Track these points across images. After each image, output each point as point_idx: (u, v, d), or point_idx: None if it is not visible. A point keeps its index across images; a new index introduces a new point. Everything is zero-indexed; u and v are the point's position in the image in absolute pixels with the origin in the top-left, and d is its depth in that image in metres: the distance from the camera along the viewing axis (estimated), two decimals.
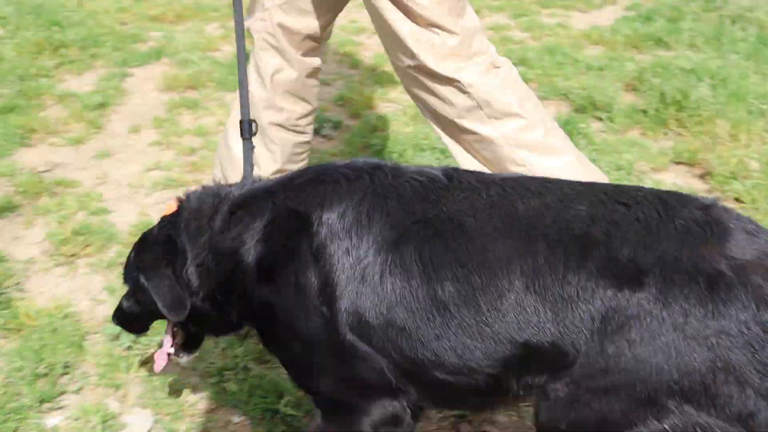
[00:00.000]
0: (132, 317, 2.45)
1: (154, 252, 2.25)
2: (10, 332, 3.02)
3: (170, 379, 2.79)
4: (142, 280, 2.23)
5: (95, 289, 3.29)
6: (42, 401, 2.71)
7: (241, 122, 2.61)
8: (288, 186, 2.15)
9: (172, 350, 2.45)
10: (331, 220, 2.00)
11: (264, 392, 2.70)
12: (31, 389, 2.73)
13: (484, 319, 1.84)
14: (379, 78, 5.31)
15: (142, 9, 6.41)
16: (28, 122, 4.43)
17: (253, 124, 2.61)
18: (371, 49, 5.86)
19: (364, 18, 6.44)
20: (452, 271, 1.88)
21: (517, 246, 1.84)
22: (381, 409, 2.06)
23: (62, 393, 2.77)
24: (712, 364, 1.65)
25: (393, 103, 4.98)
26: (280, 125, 3.09)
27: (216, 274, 2.17)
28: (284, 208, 2.09)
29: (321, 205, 2.03)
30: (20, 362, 2.82)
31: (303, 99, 3.12)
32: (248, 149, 2.58)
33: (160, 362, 2.46)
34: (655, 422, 1.72)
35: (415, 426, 2.12)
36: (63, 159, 4.23)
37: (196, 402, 2.73)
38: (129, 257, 2.38)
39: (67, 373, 2.85)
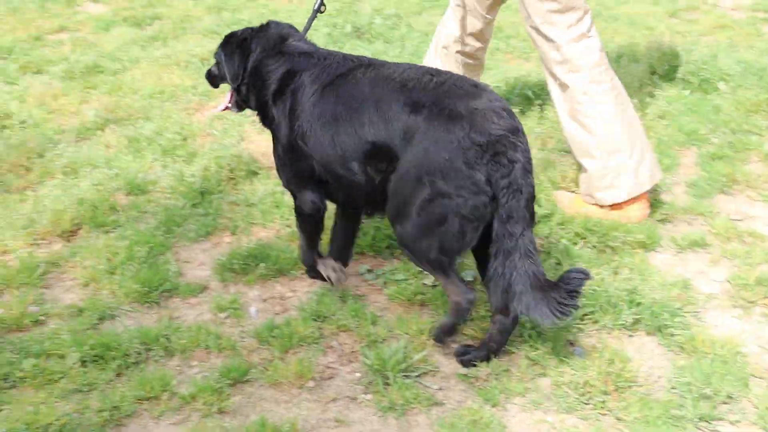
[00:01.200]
0: (213, 77, 3.89)
1: (234, 44, 3.68)
2: (683, 350, 3.35)
3: None
4: (222, 57, 3.71)
5: (765, 338, 3.45)
6: (701, 418, 2.97)
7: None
8: (307, 54, 3.56)
9: (230, 105, 3.82)
10: (305, 77, 3.47)
11: None
12: (693, 405, 3.02)
13: (354, 128, 3.27)
14: None
15: None
16: (732, 172, 4.72)
17: (322, 6, 4.04)
18: None
19: None
20: (346, 101, 3.33)
21: (376, 91, 3.26)
22: (310, 197, 3.55)
23: (719, 419, 2.99)
24: (445, 156, 3.03)
25: None
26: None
27: (256, 78, 3.62)
28: (292, 68, 3.53)
29: (305, 69, 3.49)
30: (689, 379, 3.13)
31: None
32: (312, 17, 4.00)
33: (218, 108, 3.95)
34: (424, 189, 3.08)
35: (324, 211, 3.61)
36: (757, 212, 4.43)
37: None
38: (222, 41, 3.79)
39: (727, 403, 3.07)
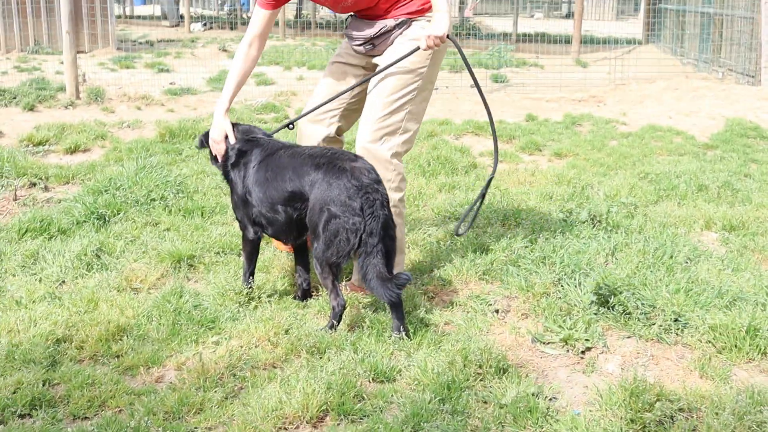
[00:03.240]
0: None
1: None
2: None
3: None
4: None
5: None
6: None
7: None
8: (254, 141, 5.44)
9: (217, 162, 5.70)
10: (254, 155, 5.32)
11: None
12: None
13: (279, 185, 5.09)
14: None
15: None
16: None
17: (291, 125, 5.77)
18: None
19: None
20: (273, 170, 5.16)
21: (295, 162, 5.08)
22: (252, 230, 5.38)
23: None
24: (339, 195, 4.78)
25: None
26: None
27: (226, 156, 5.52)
28: (246, 147, 5.40)
29: (253, 150, 5.35)
30: None
31: None
32: (281, 128, 5.80)
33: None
34: (324, 215, 4.82)
35: (260, 239, 5.44)
36: None
37: None
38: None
39: None
